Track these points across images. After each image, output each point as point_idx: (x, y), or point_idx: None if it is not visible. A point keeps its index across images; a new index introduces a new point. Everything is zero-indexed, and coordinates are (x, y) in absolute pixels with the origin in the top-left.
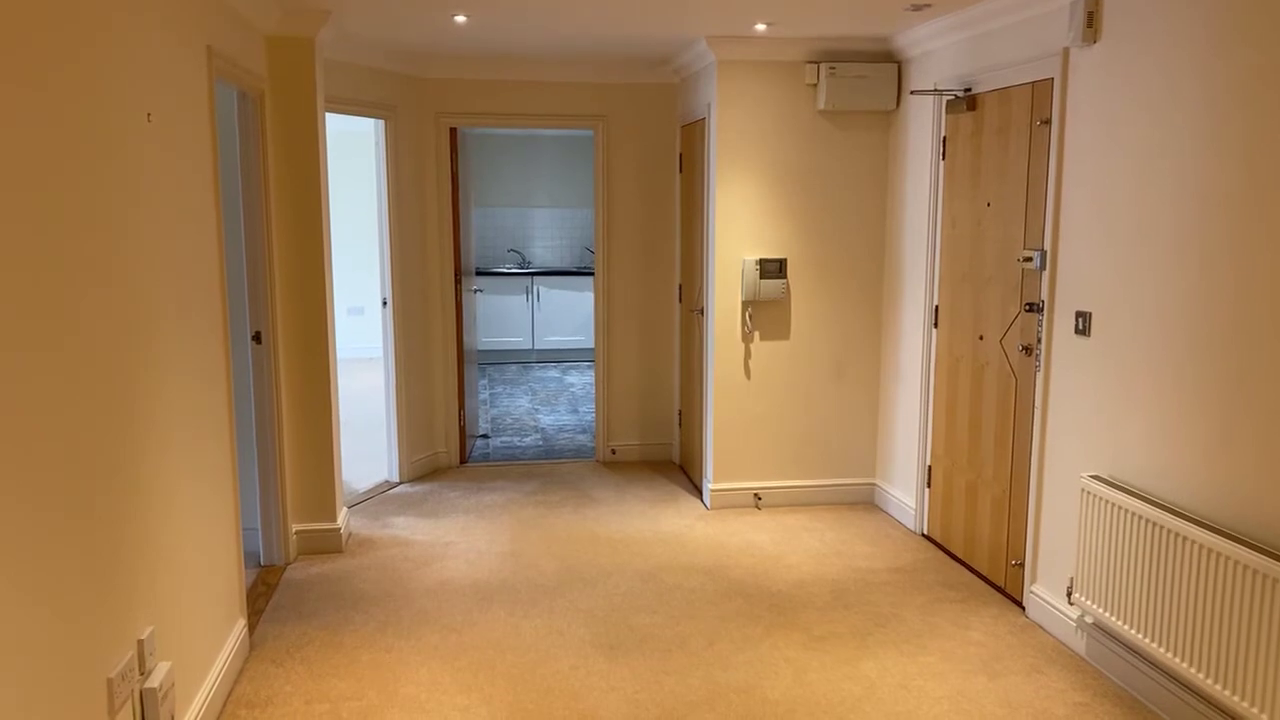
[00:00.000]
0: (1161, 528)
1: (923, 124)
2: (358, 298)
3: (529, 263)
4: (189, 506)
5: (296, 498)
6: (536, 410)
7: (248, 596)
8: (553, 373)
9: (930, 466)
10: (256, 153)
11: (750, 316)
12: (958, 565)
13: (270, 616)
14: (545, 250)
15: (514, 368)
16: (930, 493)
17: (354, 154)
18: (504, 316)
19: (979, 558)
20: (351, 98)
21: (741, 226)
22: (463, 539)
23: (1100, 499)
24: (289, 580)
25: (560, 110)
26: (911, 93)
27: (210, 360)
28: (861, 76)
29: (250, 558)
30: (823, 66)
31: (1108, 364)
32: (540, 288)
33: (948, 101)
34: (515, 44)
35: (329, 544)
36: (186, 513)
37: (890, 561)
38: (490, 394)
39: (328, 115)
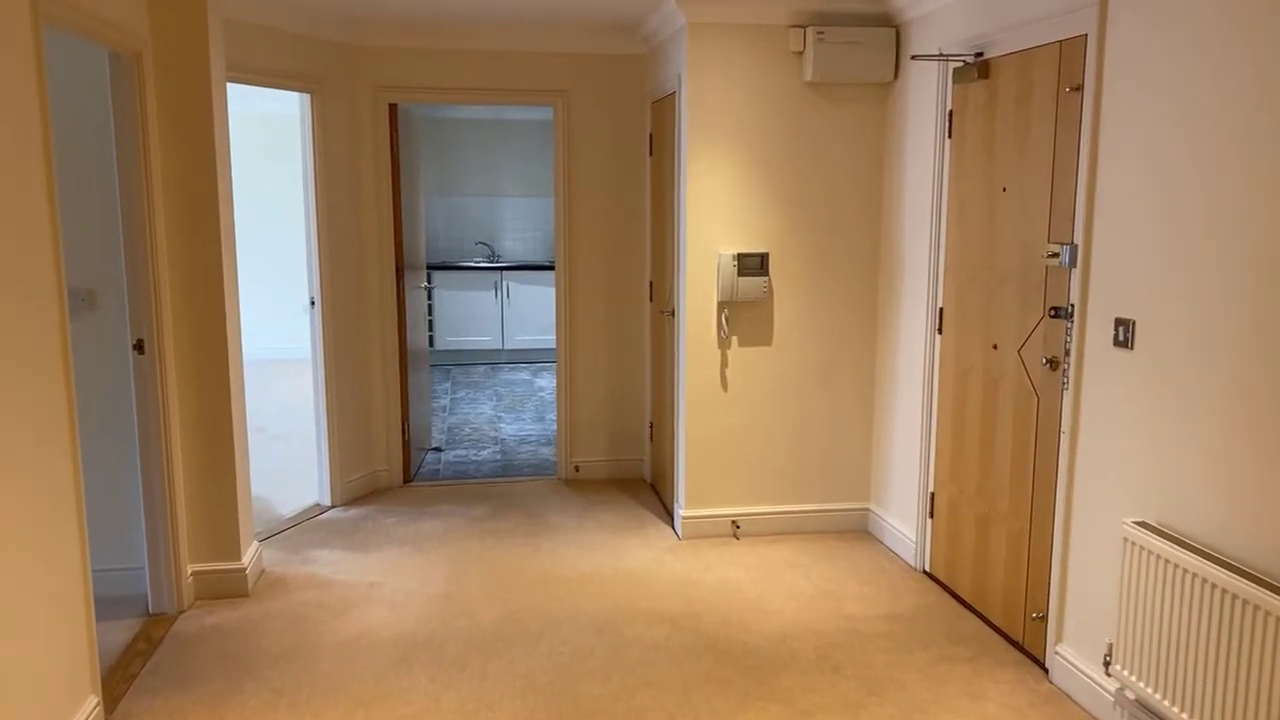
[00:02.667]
0: (1232, 595)
1: (925, 96)
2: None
3: (498, 256)
4: None
5: (194, 533)
6: (499, 418)
7: (123, 657)
8: (523, 374)
9: (933, 494)
10: (134, 127)
11: (727, 319)
12: (966, 612)
13: (143, 685)
14: (516, 243)
15: (481, 369)
16: (933, 524)
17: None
18: (471, 314)
19: (991, 605)
20: (266, 67)
21: (717, 216)
22: (392, 578)
23: (1148, 552)
24: (178, 634)
25: (516, 84)
26: (912, 58)
27: (28, 339)
28: (854, 42)
29: (135, 604)
30: (810, 31)
31: (1157, 384)
32: (510, 283)
33: (955, 69)
34: (464, 7)
35: (232, 587)
36: None
37: (887, 606)
38: (451, 399)
39: (250, 91)
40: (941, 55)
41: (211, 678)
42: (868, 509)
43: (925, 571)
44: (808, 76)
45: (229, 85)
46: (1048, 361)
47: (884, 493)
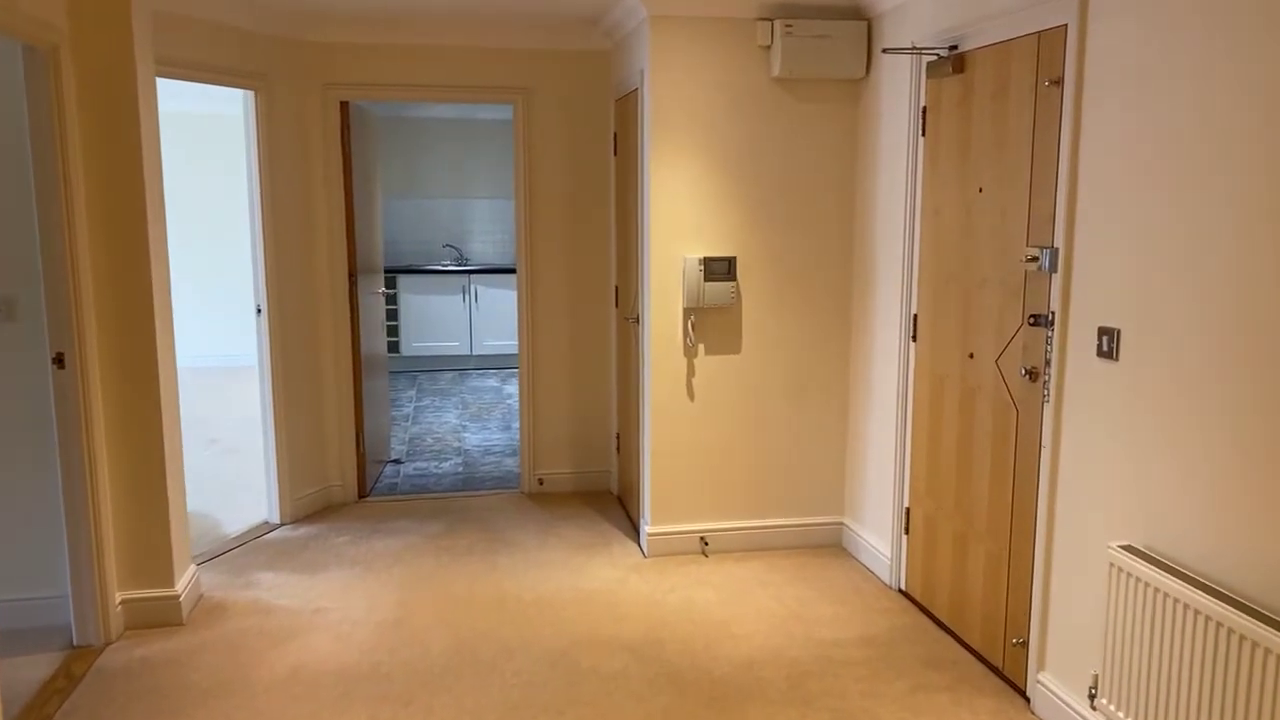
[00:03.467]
0: (1225, 627)
1: (898, 92)
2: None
3: (467, 259)
4: None
5: (122, 558)
6: (464, 427)
7: (38, 696)
8: (491, 381)
9: (909, 509)
10: (51, 125)
11: (693, 326)
12: (943, 634)
13: None
14: (485, 245)
15: (448, 375)
16: (909, 540)
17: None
18: (438, 319)
19: (970, 628)
20: (203, 62)
21: (681, 218)
22: (338, 603)
23: (1136, 579)
24: (102, 669)
25: (474, 81)
26: (884, 51)
27: None
28: (824, 36)
29: (59, 636)
30: (777, 24)
31: (1143, 397)
32: (478, 287)
33: (929, 63)
34: (418, 1)
35: (165, 615)
36: None
37: (861, 628)
38: (415, 407)
39: (194, 89)
40: (915, 49)
41: (133, 718)
42: (841, 523)
43: (901, 590)
44: (775, 72)
45: (164, 81)
46: (1027, 372)
47: (858, 507)
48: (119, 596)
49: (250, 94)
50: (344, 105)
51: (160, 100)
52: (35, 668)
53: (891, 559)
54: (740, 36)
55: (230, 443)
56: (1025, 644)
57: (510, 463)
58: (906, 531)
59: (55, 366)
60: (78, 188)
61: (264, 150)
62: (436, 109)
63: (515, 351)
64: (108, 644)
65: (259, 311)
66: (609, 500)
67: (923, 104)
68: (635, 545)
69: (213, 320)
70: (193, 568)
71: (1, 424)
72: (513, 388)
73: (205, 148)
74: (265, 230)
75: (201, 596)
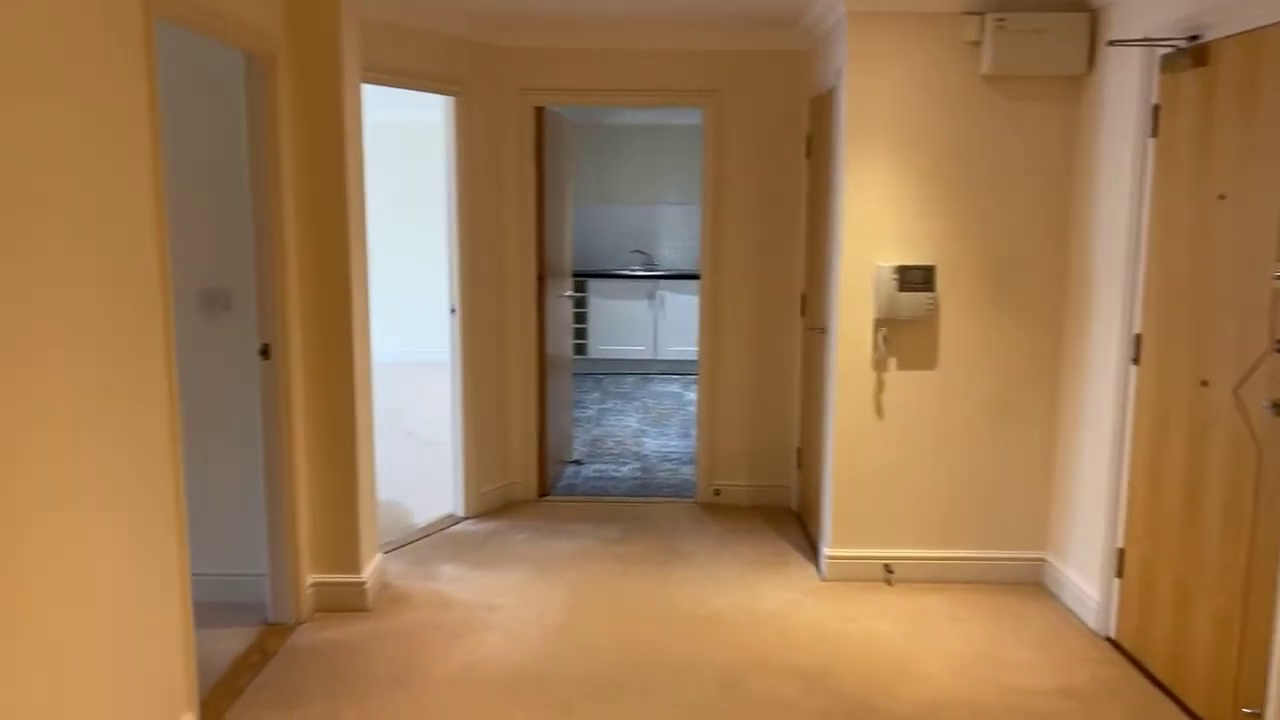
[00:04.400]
0: None
1: (1125, 89)
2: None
3: (655, 264)
4: (76, 562)
5: (315, 543)
6: (643, 432)
7: (232, 669)
8: (673, 387)
9: (1122, 550)
10: (266, 130)
11: (884, 338)
12: (1157, 693)
13: (249, 701)
14: (673, 251)
15: (632, 379)
16: (1122, 584)
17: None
18: (624, 323)
19: (1190, 688)
20: (407, 68)
21: (876, 224)
22: (512, 601)
23: None
24: (292, 647)
25: (665, 84)
26: (1110, 44)
27: (130, 339)
28: (1040, 30)
29: (255, 613)
30: (988, 18)
31: None
32: (665, 292)
33: (1163, 56)
34: (611, 6)
35: (350, 600)
36: (64, 566)
37: (1061, 678)
38: (599, 410)
39: (398, 94)
40: (1147, 40)
41: (315, 699)
42: (1043, 559)
43: (1109, 639)
44: (985, 69)
45: (372, 90)
46: (1272, 405)
47: (1063, 543)
48: (310, 579)
49: (450, 99)
50: (539, 111)
51: (367, 109)
52: (232, 640)
53: (1100, 603)
54: (945, 32)
55: (425, 436)
56: (1259, 716)
57: (687, 471)
58: (1119, 574)
59: (261, 357)
60: (288, 189)
61: (462, 154)
62: (628, 115)
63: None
64: (298, 624)
65: (452, 311)
66: (787, 517)
67: (1154, 101)
68: (813, 567)
69: (413, 317)
70: (379, 556)
71: (214, 408)
72: (694, 394)
73: (406, 154)
74: (460, 233)
75: (386, 585)
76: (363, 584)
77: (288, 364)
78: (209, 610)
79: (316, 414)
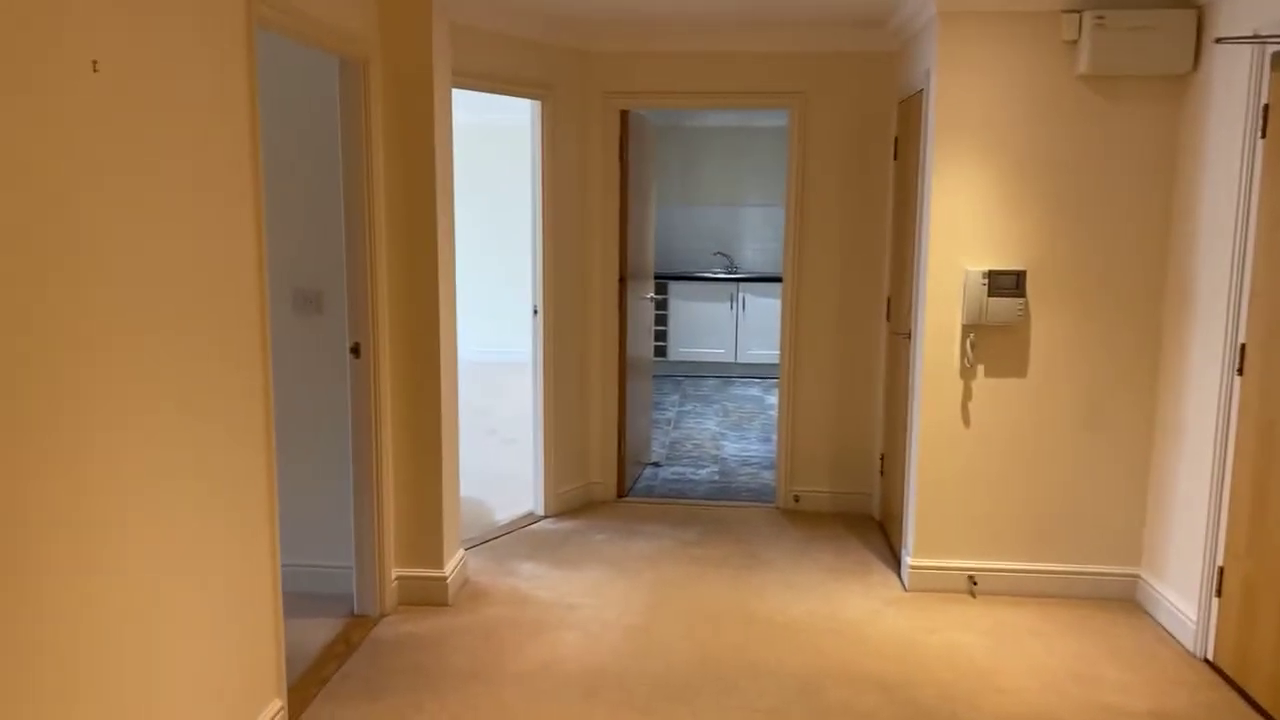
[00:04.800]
0: None
1: (1233, 89)
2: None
3: (737, 267)
4: (174, 547)
5: (400, 538)
6: (723, 435)
7: (319, 658)
8: (753, 390)
9: (1222, 568)
10: (359, 135)
11: (972, 345)
12: (1258, 717)
13: (333, 690)
14: (755, 254)
15: (712, 382)
16: (1220, 604)
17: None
18: (705, 326)
19: None
20: (495, 73)
21: (964, 228)
22: (591, 600)
23: None
24: (376, 639)
25: (749, 87)
26: (1217, 41)
27: (229, 335)
28: (1142, 27)
29: (341, 604)
30: (1087, 16)
31: None
32: (746, 295)
33: (1275, 54)
34: (697, 8)
35: (433, 595)
36: (165, 555)
37: (1154, 700)
38: (678, 412)
39: (483, 99)
40: (1258, 37)
41: (397, 690)
42: (1136, 575)
43: (1207, 660)
44: (1082, 69)
45: (461, 95)
46: None
47: (1158, 558)
48: (395, 573)
49: (536, 103)
50: (624, 114)
51: (455, 111)
52: (319, 630)
53: (1198, 623)
54: (1040, 31)
55: (508, 434)
56: None
57: (767, 475)
58: (1218, 593)
59: (352, 356)
60: (380, 192)
61: (548, 157)
62: (712, 117)
63: (778, 362)
64: (383, 616)
65: (535, 312)
66: (869, 525)
67: (1264, 101)
68: (895, 577)
69: (498, 317)
70: (461, 551)
71: (306, 405)
72: (774, 399)
73: (493, 156)
74: (545, 234)
75: (467, 580)
76: (445, 579)
77: (377, 362)
78: (297, 600)
79: (403, 412)
